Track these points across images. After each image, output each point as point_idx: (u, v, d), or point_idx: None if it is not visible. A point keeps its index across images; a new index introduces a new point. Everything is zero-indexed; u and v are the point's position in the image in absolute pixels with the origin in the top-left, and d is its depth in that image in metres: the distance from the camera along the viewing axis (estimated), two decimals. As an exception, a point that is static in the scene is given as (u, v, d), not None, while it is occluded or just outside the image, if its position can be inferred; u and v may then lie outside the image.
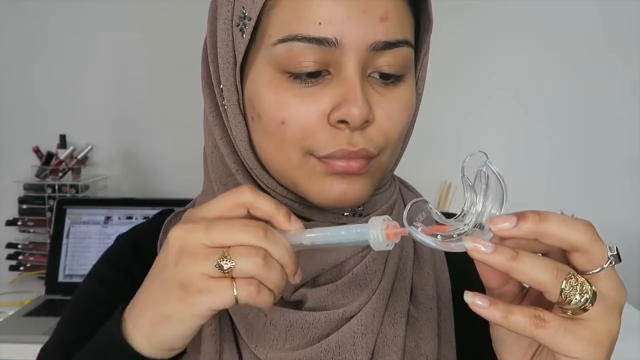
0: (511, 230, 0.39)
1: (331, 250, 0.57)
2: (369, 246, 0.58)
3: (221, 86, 0.57)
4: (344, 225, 0.46)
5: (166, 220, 0.66)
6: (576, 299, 0.39)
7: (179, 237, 0.44)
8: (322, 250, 0.57)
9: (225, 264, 0.43)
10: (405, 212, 0.41)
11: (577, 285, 0.40)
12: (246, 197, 0.45)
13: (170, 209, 0.69)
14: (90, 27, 1.86)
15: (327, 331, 0.55)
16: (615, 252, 0.41)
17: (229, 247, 0.43)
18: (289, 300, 0.58)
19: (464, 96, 1.84)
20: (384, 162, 0.56)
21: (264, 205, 0.46)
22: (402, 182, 0.69)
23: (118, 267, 0.65)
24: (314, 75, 0.52)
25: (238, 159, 0.59)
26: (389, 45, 0.52)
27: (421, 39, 0.58)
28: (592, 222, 0.41)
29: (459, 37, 1.82)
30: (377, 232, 0.43)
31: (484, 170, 0.41)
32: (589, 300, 0.40)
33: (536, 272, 0.39)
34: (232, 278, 0.43)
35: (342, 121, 0.51)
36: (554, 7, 1.80)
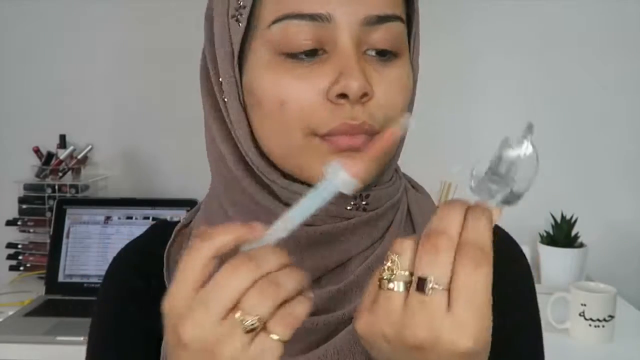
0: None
1: (334, 249, 0.57)
2: (372, 244, 0.58)
3: (220, 79, 0.57)
4: (308, 195, 0.46)
5: (170, 241, 0.64)
6: None
7: (192, 336, 0.41)
8: (324, 248, 0.57)
9: (251, 324, 0.41)
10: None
11: None
12: (206, 250, 0.43)
13: (161, 222, 0.70)
14: (90, 26, 1.86)
15: (326, 335, 0.55)
16: None
17: (237, 305, 0.41)
18: None
19: (464, 96, 1.85)
20: None
21: (225, 239, 0.44)
22: (409, 180, 0.68)
23: (126, 275, 0.65)
24: (311, 54, 0.52)
25: (240, 158, 0.58)
26: (381, 20, 0.52)
27: (411, 18, 0.58)
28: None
29: (458, 38, 1.82)
30: (344, 176, 0.45)
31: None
32: None
33: None
34: (265, 326, 0.42)
35: (341, 95, 0.51)
36: (553, 8, 1.80)
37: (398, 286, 0.42)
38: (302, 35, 0.51)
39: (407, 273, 0.42)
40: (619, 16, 1.80)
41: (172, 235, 0.64)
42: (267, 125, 0.55)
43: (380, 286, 0.43)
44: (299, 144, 0.53)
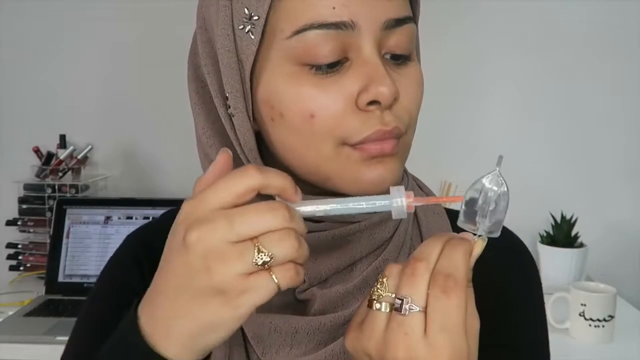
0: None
1: (345, 250, 0.57)
2: (382, 246, 0.58)
3: (226, 94, 0.55)
4: (362, 197, 0.46)
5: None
6: None
7: (200, 240, 0.41)
8: (335, 251, 0.57)
9: (262, 258, 0.40)
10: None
11: None
12: (255, 180, 0.42)
13: (178, 209, 0.67)
14: (90, 26, 1.86)
15: (333, 335, 0.55)
16: None
17: (257, 237, 0.41)
18: (298, 299, 0.58)
19: (464, 96, 1.84)
20: (408, 141, 0.56)
21: (275, 182, 0.43)
22: (416, 180, 0.68)
23: (128, 267, 0.64)
24: (334, 65, 0.51)
25: None
26: (399, 22, 0.52)
27: (414, 13, 0.58)
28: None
29: (459, 38, 1.82)
30: (403, 203, 0.45)
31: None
32: None
33: None
34: (269, 268, 0.41)
35: (372, 102, 0.51)
36: (553, 9, 1.80)
37: (383, 307, 0.44)
38: (327, 45, 0.50)
39: (392, 295, 0.44)
40: (620, 16, 1.80)
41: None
42: (292, 138, 0.53)
43: (369, 306, 0.45)
44: (329, 154, 0.52)
